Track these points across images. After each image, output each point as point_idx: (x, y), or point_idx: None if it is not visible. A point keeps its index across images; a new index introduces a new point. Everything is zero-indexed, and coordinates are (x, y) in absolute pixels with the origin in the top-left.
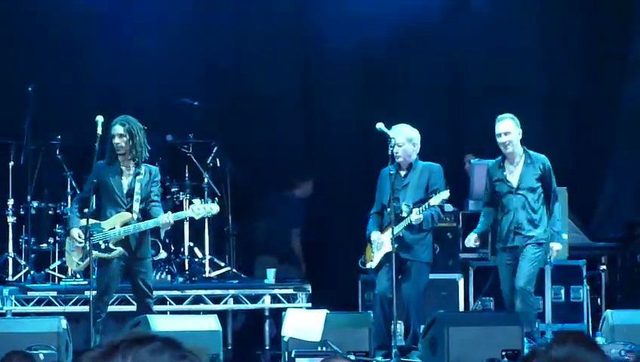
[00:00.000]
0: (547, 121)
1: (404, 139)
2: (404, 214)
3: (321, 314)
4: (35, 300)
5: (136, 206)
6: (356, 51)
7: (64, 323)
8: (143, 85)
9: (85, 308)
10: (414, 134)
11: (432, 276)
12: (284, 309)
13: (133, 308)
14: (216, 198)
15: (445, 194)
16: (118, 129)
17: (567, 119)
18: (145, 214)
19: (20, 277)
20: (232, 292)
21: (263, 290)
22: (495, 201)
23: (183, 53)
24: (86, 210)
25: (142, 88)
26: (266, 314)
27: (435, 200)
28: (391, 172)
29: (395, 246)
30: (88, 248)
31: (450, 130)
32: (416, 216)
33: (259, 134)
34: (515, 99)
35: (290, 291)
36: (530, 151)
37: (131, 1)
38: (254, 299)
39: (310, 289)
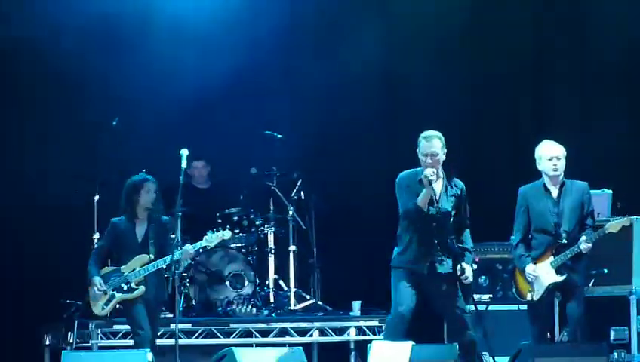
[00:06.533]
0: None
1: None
2: (564, 241)
3: (407, 346)
4: (121, 333)
5: (152, 250)
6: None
7: (150, 356)
8: (227, 118)
9: (171, 341)
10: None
11: (515, 307)
12: (370, 341)
13: (218, 340)
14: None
15: (627, 221)
16: (153, 187)
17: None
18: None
19: None
20: (317, 324)
21: (348, 322)
22: None
23: (267, 88)
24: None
25: (226, 121)
26: (352, 346)
27: (614, 227)
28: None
29: (565, 275)
30: (111, 292)
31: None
32: (586, 245)
33: (343, 167)
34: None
35: (375, 323)
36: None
37: (217, 37)
38: (340, 331)
39: None
